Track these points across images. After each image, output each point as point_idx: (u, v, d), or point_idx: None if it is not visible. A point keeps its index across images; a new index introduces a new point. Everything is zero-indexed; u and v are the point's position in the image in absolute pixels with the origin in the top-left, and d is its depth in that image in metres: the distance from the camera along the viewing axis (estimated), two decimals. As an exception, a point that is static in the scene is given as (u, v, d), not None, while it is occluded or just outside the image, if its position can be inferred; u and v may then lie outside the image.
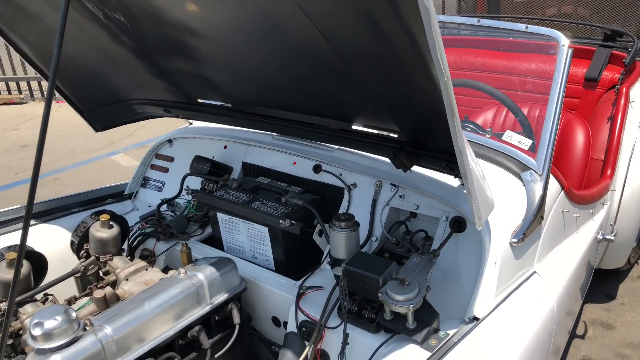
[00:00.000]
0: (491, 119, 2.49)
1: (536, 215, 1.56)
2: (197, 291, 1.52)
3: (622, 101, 2.54)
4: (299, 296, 1.56)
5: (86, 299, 1.61)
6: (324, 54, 1.36)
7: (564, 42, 1.74)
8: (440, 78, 0.97)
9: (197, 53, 1.68)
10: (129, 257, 1.83)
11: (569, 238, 1.96)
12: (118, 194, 2.27)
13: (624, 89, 2.57)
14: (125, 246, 1.90)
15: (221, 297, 1.57)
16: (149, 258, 1.91)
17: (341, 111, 1.68)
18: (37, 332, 1.24)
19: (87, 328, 1.33)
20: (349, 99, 1.59)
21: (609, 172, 2.43)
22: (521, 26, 1.84)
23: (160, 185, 2.25)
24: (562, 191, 1.84)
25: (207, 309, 1.54)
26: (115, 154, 5.27)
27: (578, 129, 2.56)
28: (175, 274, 1.57)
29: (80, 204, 2.13)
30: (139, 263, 1.73)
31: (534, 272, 1.64)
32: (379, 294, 1.33)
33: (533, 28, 1.82)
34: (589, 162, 2.55)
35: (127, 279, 1.67)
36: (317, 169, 1.87)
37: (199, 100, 2.05)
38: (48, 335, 1.24)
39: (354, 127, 1.67)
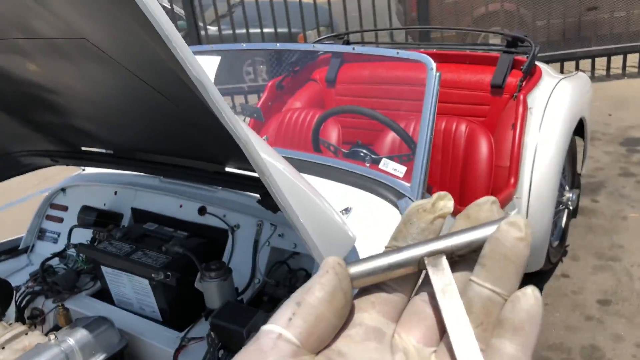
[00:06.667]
0: (390, 138, 2.49)
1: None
2: (66, 358, 1.47)
3: (521, 109, 2.58)
4: (179, 349, 1.53)
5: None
6: (169, 105, 1.34)
7: (432, 65, 1.75)
8: (239, 142, 0.95)
9: (60, 106, 1.63)
10: (9, 323, 1.76)
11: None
12: (12, 250, 2.19)
13: (521, 97, 2.61)
14: (13, 307, 1.84)
15: (98, 359, 1.53)
16: (38, 318, 1.84)
17: (211, 155, 1.65)
18: None
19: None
20: (211, 143, 1.56)
21: (512, 181, 2.46)
22: (392, 52, 1.85)
23: (56, 236, 2.18)
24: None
25: (80, 374, 1.49)
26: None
27: (481, 139, 2.59)
28: (47, 340, 1.51)
29: (-36, 266, 2.04)
30: (18, 328, 1.66)
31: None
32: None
33: (404, 54, 1.82)
34: (494, 170, 2.57)
35: (3, 347, 1.61)
36: (202, 211, 1.84)
37: (83, 149, 1.99)
38: None
39: (227, 169, 1.65)
